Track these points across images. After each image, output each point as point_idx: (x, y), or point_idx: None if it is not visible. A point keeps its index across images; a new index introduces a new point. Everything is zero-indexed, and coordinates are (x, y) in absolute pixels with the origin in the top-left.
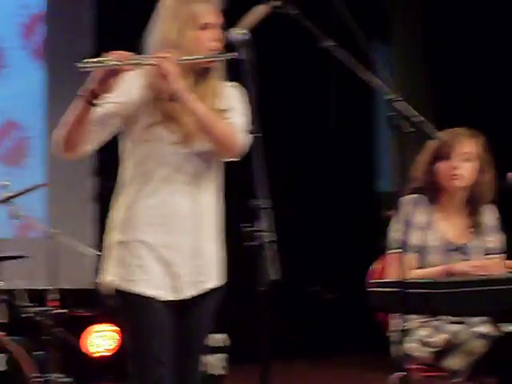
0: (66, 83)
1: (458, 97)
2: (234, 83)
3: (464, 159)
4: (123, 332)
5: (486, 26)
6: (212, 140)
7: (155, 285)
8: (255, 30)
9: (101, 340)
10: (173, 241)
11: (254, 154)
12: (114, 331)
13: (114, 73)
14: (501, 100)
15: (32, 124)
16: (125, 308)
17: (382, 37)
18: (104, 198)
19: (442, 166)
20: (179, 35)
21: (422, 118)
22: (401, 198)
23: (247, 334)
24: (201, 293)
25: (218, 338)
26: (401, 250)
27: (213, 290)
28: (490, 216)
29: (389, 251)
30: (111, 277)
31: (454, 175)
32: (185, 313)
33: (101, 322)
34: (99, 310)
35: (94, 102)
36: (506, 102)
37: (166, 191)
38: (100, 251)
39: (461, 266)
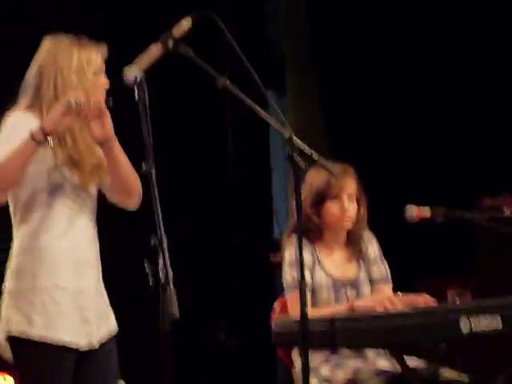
0: None
1: (351, 142)
2: None
3: (350, 199)
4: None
5: (378, 72)
6: (122, 187)
7: (73, 332)
8: (150, 70)
9: None
10: (84, 285)
11: (152, 192)
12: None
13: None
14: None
15: None
16: (34, 357)
17: (276, 87)
18: None
19: (332, 207)
20: (79, 78)
21: (319, 155)
22: (285, 240)
23: (146, 382)
24: (107, 338)
25: None
26: (295, 290)
27: (113, 336)
28: (371, 246)
29: (285, 293)
30: (20, 325)
31: (346, 217)
32: (94, 360)
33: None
34: None
35: (42, 141)
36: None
37: (72, 235)
38: None
39: (359, 304)
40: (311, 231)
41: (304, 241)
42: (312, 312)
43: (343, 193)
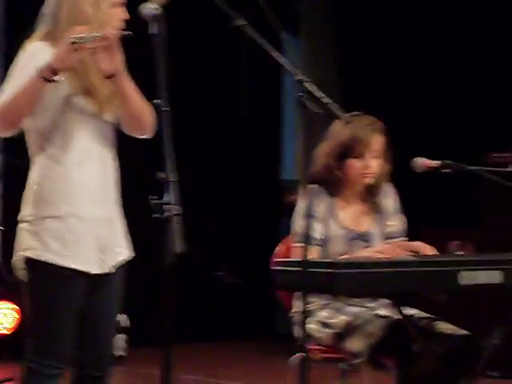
0: None
1: (365, 93)
2: None
3: (374, 156)
4: (32, 306)
5: (394, 19)
6: (132, 120)
7: (88, 260)
8: (167, 6)
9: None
10: (99, 213)
11: (162, 128)
12: (13, 310)
13: (82, 49)
14: (405, 88)
15: None
16: (47, 278)
17: (292, 31)
18: (9, 175)
19: (354, 164)
20: (95, 10)
21: (330, 100)
22: (302, 188)
23: (147, 315)
24: (118, 265)
25: (118, 319)
26: (304, 244)
27: (123, 263)
28: (389, 199)
29: (293, 244)
30: (36, 250)
31: (368, 173)
32: (103, 286)
33: (1, 299)
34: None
35: (52, 78)
36: (410, 90)
37: (89, 164)
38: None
39: (363, 253)
40: (331, 183)
41: (321, 192)
42: None
43: (368, 151)
